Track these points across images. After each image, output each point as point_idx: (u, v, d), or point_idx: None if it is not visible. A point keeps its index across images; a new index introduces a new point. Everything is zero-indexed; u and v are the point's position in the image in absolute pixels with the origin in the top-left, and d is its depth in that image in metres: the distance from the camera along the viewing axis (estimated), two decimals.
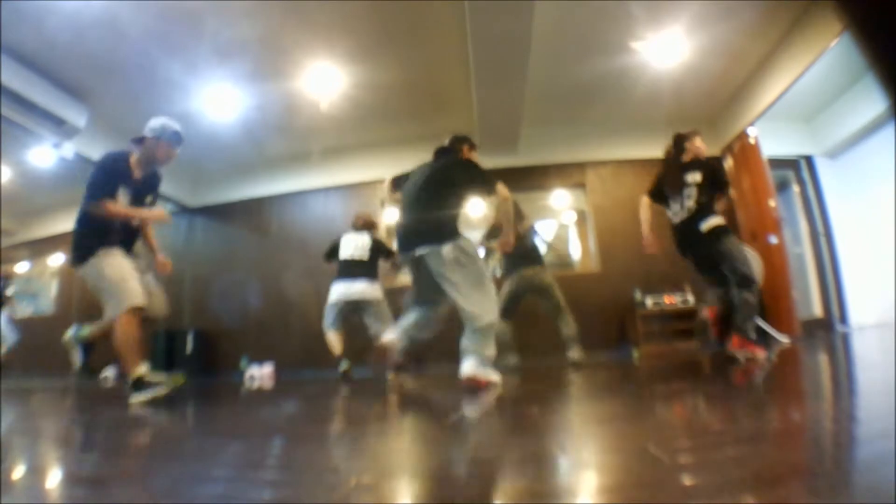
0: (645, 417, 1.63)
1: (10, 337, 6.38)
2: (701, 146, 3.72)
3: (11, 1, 3.70)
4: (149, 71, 4.73)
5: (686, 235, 3.55)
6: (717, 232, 3.43)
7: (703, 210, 3.49)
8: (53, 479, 1.19)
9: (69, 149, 5.29)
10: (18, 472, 1.24)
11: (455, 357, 2.79)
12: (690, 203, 3.52)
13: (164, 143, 3.11)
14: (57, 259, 8.07)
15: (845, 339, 4.68)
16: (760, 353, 3.20)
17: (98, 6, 3.89)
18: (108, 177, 3.01)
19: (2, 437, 1.84)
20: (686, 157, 3.68)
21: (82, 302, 6.96)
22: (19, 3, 3.76)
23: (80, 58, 4.49)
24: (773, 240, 5.34)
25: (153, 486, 1.07)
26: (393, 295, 4.78)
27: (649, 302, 5.57)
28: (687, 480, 0.83)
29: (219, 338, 6.52)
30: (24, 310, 8.41)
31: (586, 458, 1.14)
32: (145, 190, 3.18)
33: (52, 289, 8.05)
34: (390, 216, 6.42)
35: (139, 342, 2.89)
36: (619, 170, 6.35)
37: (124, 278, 2.91)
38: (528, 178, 6.31)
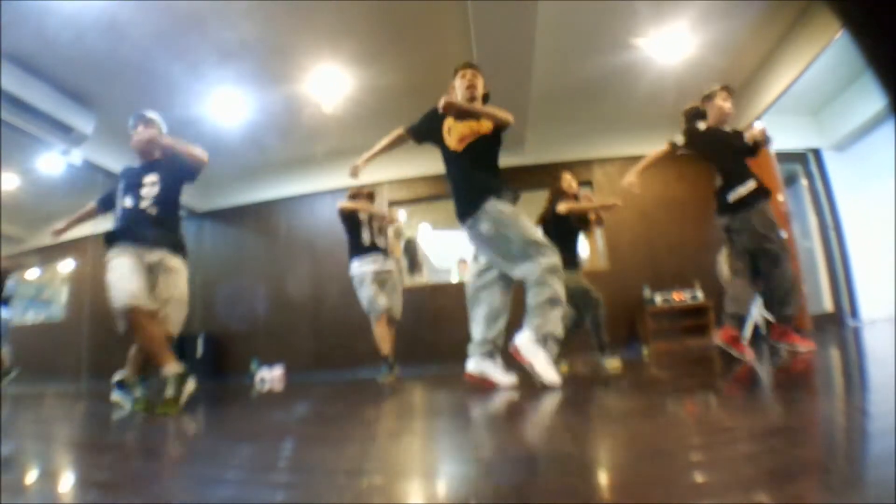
0: (656, 414, 1.63)
1: None
2: (728, 109, 3.31)
3: (11, 1, 3.71)
4: (153, 75, 4.75)
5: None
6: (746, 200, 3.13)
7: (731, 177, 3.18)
8: (66, 481, 1.20)
9: (77, 155, 5.34)
10: (33, 472, 1.25)
11: None
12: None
13: (131, 129, 3.16)
14: (67, 265, 8.12)
15: (856, 333, 4.64)
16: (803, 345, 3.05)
17: (97, 7, 3.88)
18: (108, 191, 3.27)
19: (2, 438, 1.86)
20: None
21: (93, 308, 7.03)
22: (18, 4, 3.76)
23: (82, 62, 4.51)
24: (782, 234, 5.30)
25: (165, 487, 1.08)
26: None
27: (658, 299, 5.55)
28: (699, 477, 0.83)
29: (229, 341, 6.56)
30: (36, 316, 8.50)
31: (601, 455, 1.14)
32: (143, 174, 3.07)
33: (63, 295, 8.11)
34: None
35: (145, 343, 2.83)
36: (626, 167, 6.28)
37: (119, 278, 2.77)
38: (535, 177, 6.29)
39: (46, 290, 8.66)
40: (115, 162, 5.85)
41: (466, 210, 2.80)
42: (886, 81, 0.40)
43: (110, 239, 2.90)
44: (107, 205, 3.27)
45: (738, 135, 3.30)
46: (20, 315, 8.23)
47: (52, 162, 5.72)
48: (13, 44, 4.13)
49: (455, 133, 2.91)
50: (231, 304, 6.62)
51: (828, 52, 4.40)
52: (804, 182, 6.35)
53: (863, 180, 6.08)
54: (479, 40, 4.16)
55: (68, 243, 7.80)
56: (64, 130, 4.91)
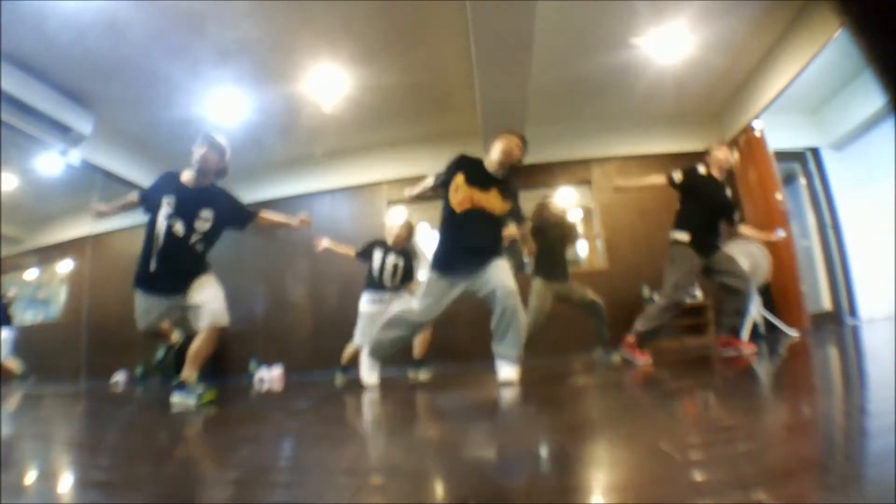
0: (655, 413, 1.63)
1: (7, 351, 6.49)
2: (723, 158, 3.75)
3: (11, 1, 3.70)
4: (152, 75, 4.75)
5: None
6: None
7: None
8: (66, 480, 1.20)
9: (76, 156, 5.33)
10: (32, 472, 1.25)
11: None
12: None
13: (196, 148, 3.00)
14: (65, 266, 8.11)
15: (855, 332, 4.64)
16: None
17: (97, 7, 3.88)
18: (152, 188, 3.08)
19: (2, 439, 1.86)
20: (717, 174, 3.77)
21: (92, 308, 7.02)
22: (18, 4, 3.75)
23: (81, 62, 4.50)
24: (781, 233, 5.32)
25: (166, 487, 1.08)
26: None
27: (658, 298, 5.54)
28: (698, 476, 0.83)
29: (228, 341, 6.54)
30: (35, 317, 8.49)
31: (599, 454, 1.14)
32: (200, 204, 3.01)
33: (62, 295, 8.10)
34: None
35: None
36: (625, 166, 6.33)
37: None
38: (534, 176, 6.30)
39: (45, 290, 8.64)
40: (114, 162, 5.85)
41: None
42: (886, 80, 0.40)
43: (144, 286, 3.06)
44: (149, 205, 3.03)
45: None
46: (20, 316, 8.22)
47: (51, 162, 5.71)
48: (13, 44, 4.13)
49: (460, 194, 2.98)
50: (230, 304, 6.59)
51: (827, 51, 4.40)
52: (803, 181, 6.35)
53: (861, 179, 6.08)
54: (478, 40, 4.15)
55: (67, 243, 7.82)
56: (62, 130, 4.90)
